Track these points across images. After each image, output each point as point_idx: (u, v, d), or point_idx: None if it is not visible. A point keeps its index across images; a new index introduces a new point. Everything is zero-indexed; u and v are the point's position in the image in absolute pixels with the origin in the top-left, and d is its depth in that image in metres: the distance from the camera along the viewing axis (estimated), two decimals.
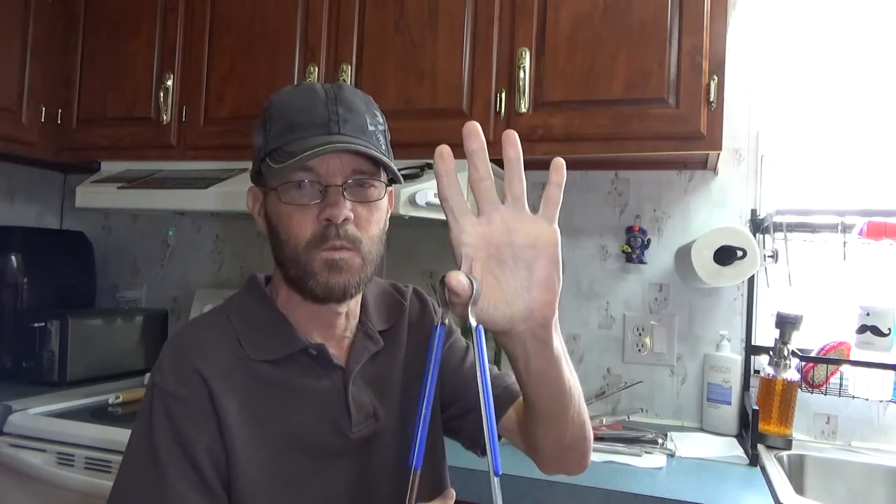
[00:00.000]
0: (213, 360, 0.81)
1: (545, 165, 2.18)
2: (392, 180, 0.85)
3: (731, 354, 1.72)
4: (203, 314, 0.89)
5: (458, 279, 0.59)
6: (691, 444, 1.56)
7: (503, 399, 0.94)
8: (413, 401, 0.93)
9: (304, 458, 0.82)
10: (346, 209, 0.79)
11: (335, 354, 0.87)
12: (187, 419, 0.78)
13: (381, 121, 0.87)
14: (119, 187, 1.86)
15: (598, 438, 1.53)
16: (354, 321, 0.91)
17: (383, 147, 0.85)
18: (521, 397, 0.92)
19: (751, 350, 1.74)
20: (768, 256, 1.67)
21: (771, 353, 1.63)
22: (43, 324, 1.89)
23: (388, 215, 0.89)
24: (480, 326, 0.61)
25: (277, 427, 0.81)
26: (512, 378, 0.94)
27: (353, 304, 0.90)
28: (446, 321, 0.63)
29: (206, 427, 0.78)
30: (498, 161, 1.69)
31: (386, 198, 0.86)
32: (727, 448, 1.55)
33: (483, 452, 0.98)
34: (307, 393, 0.84)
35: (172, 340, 0.85)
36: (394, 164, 0.83)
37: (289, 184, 0.80)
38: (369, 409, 0.87)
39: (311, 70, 1.74)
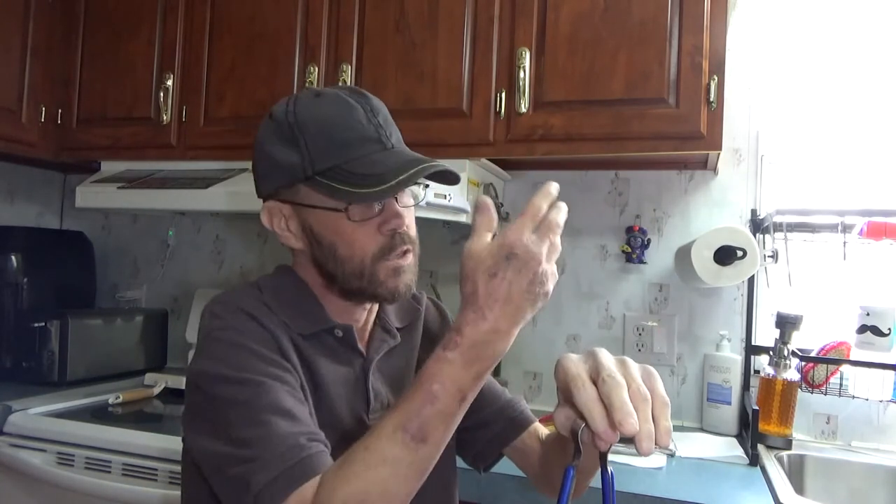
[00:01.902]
0: (260, 311, 0.82)
1: (545, 165, 2.18)
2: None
3: (731, 354, 1.72)
4: (233, 289, 0.90)
5: (611, 437, 0.56)
6: (691, 444, 1.56)
7: (519, 423, 0.99)
8: None
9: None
10: (405, 217, 0.84)
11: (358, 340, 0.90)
12: (260, 345, 0.78)
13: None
14: (119, 187, 1.86)
15: None
16: (373, 315, 0.94)
17: None
18: (534, 424, 0.99)
19: (751, 350, 1.74)
20: (768, 256, 1.67)
21: (771, 353, 1.63)
22: (43, 324, 1.89)
23: None
24: (614, 473, 0.60)
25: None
26: (524, 404, 1.01)
27: None
28: (577, 463, 0.61)
29: (272, 347, 0.79)
30: (499, 161, 1.70)
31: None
32: (727, 448, 1.55)
33: (485, 469, 1.02)
34: (330, 373, 0.86)
35: (214, 301, 0.85)
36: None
37: (361, 204, 0.82)
38: (384, 400, 0.90)
39: (311, 70, 1.74)
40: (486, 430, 0.99)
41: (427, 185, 0.89)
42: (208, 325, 0.81)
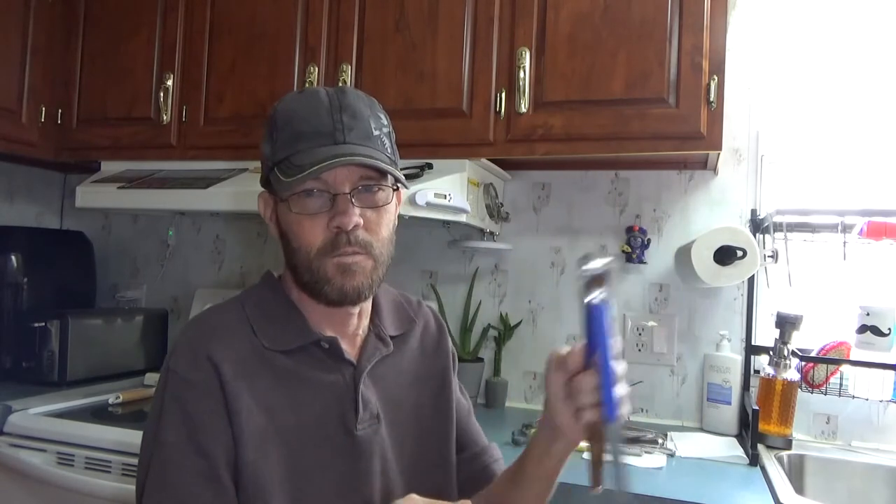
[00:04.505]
0: (226, 346, 0.82)
1: (545, 165, 2.17)
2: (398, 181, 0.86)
3: (731, 354, 1.72)
4: (219, 303, 0.90)
5: None
6: (691, 444, 1.56)
7: (486, 477, 0.97)
8: (418, 424, 0.93)
9: (309, 449, 0.83)
10: (356, 216, 0.81)
11: (347, 350, 0.88)
12: (197, 404, 0.79)
13: (386, 122, 0.88)
14: (119, 187, 1.86)
15: None
16: (366, 320, 0.93)
17: (389, 149, 0.87)
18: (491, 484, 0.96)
19: (751, 350, 1.74)
20: (768, 256, 1.67)
21: (771, 353, 1.63)
22: (43, 324, 1.89)
23: (397, 215, 0.91)
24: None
25: (286, 417, 0.82)
26: (497, 453, 1.01)
27: (366, 304, 0.92)
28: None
29: (216, 412, 0.79)
30: (500, 161, 1.70)
31: (394, 199, 0.88)
32: (727, 448, 1.55)
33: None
34: (317, 385, 0.85)
35: (188, 326, 0.87)
36: (398, 170, 0.85)
37: (299, 194, 0.82)
38: (374, 410, 0.88)
39: (311, 70, 1.74)
40: (470, 462, 0.99)
41: (396, 188, 0.87)
42: (169, 357, 0.83)
